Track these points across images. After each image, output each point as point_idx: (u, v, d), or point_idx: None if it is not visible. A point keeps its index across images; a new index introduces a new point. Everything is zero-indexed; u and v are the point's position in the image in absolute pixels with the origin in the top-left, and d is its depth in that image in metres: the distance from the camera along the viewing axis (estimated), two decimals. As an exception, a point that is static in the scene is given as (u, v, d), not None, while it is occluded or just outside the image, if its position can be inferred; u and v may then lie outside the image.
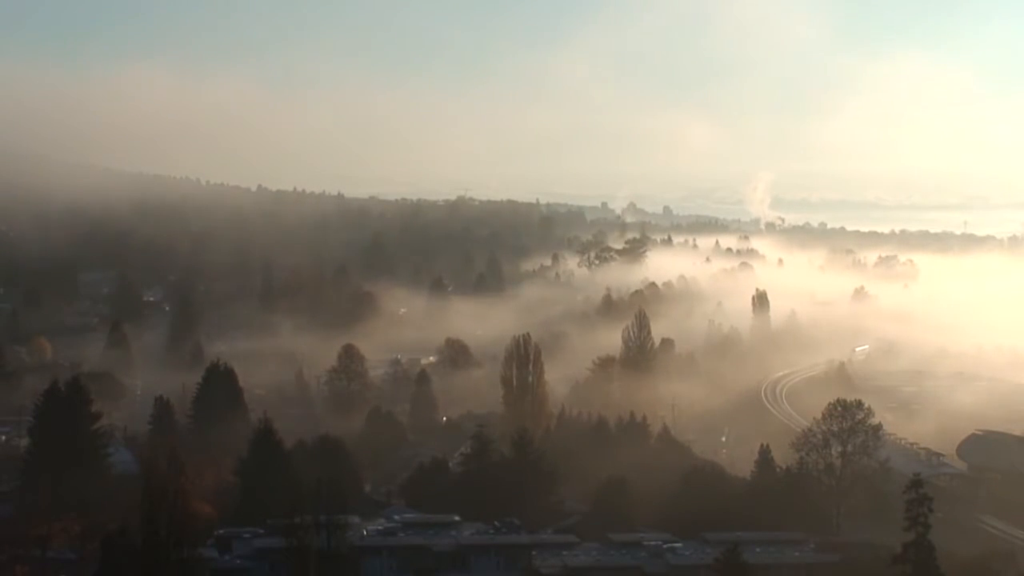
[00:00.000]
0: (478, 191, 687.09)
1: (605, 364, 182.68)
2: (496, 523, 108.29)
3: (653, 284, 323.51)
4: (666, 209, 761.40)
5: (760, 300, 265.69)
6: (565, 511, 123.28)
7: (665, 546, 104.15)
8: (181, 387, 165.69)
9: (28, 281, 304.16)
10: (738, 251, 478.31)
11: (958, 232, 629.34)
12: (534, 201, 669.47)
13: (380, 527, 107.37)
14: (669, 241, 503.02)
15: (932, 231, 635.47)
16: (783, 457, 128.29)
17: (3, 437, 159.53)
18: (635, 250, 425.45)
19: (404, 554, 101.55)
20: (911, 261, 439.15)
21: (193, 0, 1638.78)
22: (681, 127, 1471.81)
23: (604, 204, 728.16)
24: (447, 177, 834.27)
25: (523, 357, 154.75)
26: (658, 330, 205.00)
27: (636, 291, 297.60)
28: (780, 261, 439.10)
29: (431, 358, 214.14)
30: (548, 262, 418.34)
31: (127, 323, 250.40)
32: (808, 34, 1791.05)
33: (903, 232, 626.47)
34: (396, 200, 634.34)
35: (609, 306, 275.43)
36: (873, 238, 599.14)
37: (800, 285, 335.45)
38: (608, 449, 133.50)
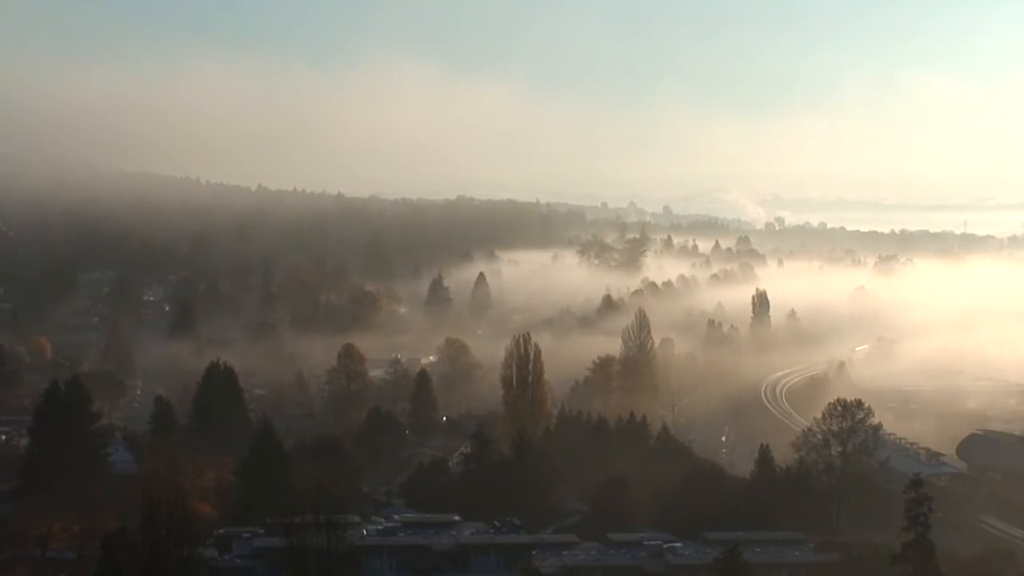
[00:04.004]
0: (478, 191, 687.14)
1: (605, 364, 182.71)
2: (496, 523, 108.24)
3: (653, 284, 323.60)
4: (666, 209, 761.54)
5: (760, 300, 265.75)
6: (565, 511, 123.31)
7: (665, 546, 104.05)
8: (181, 387, 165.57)
9: (28, 281, 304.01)
10: (738, 251, 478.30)
11: (958, 232, 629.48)
12: (534, 201, 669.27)
13: (380, 527, 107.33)
14: (669, 241, 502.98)
15: (932, 231, 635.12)
16: (783, 457, 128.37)
17: (3, 437, 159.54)
18: (635, 250, 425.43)
19: (404, 554, 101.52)
20: (911, 261, 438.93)
21: (195, 2, 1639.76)
22: (682, 127, 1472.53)
23: (604, 204, 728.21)
24: (447, 177, 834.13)
25: (523, 357, 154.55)
26: (658, 330, 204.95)
27: (636, 291, 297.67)
28: (780, 261, 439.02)
29: (431, 358, 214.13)
30: (548, 262, 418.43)
31: (127, 323, 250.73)
32: (809, 35, 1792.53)
33: (903, 232, 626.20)
34: (396, 200, 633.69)
35: (609, 306, 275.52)
36: (873, 238, 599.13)
37: (800, 285, 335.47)
38: (608, 449, 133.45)
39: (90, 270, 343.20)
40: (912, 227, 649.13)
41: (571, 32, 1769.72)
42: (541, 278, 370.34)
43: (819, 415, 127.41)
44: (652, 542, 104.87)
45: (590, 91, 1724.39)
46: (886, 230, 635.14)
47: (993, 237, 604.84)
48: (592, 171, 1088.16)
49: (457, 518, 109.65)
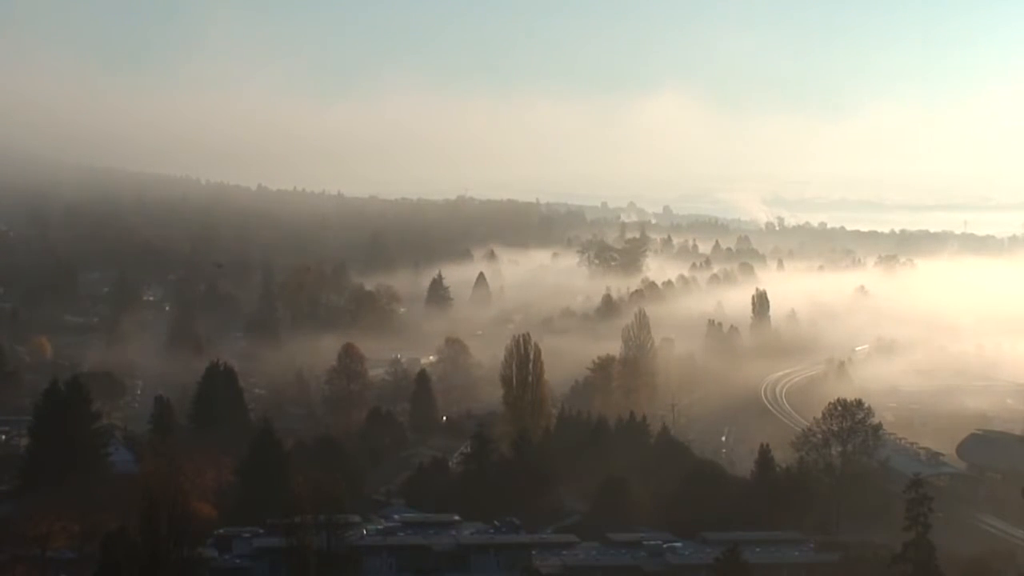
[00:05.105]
0: (478, 191, 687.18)
1: (605, 364, 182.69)
2: (496, 523, 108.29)
3: (653, 284, 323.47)
4: (666, 209, 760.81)
5: (760, 300, 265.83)
6: (565, 511, 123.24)
7: (665, 546, 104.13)
8: (181, 387, 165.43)
9: (28, 281, 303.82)
10: (738, 251, 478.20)
11: (958, 232, 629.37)
12: (534, 201, 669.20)
13: (380, 527, 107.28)
14: (669, 241, 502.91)
15: (932, 231, 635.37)
16: (783, 457, 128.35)
17: (3, 437, 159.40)
18: (635, 250, 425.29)
19: (404, 554, 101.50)
20: (911, 261, 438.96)
21: (196, 3, 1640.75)
22: (682, 127, 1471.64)
23: (604, 204, 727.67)
24: (447, 177, 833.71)
25: (523, 356, 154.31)
26: (658, 330, 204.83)
27: (636, 291, 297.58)
28: (780, 261, 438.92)
29: (431, 358, 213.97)
30: (548, 262, 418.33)
31: (127, 323, 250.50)
32: (809, 34, 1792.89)
33: (903, 232, 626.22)
34: (396, 200, 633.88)
35: (609, 306, 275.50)
36: (873, 238, 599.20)
37: (800, 285, 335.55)
38: (608, 449, 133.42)
39: (90, 270, 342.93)
40: (912, 227, 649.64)
41: (571, 33, 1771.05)
42: (541, 278, 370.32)
43: (819, 415, 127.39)
44: (652, 542, 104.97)
45: (590, 91, 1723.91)
46: (886, 230, 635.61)
47: (993, 237, 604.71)
48: (592, 171, 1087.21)
49: (457, 518, 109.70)
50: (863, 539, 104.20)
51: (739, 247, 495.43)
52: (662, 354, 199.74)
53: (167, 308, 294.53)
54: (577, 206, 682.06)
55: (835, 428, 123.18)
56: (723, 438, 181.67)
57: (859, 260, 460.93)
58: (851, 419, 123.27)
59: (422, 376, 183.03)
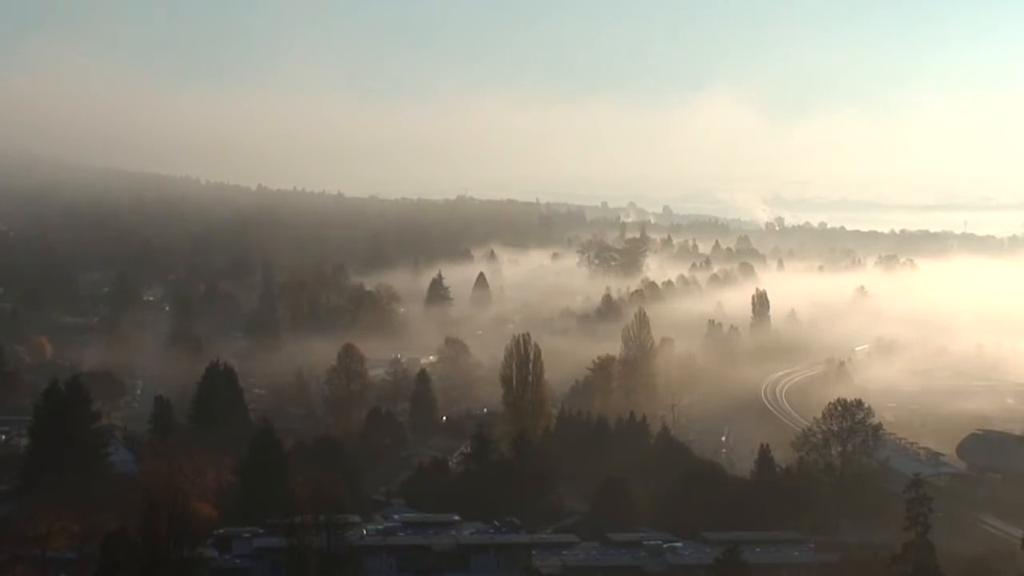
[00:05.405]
0: (478, 191, 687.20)
1: (605, 364, 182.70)
2: (496, 523, 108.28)
3: (653, 284, 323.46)
4: (666, 209, 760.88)
5: (760, 300, 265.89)
6: (565, 511, 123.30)
7: (665, 546, 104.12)
8: (181, 387, 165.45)
9: (28, 281, 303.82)
10: (738, 251, 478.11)
11: (958, 232, 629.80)
12: (534, 201, 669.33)
13: (380, 527, 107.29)
14: (669, 241, 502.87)
15: (932, 231, 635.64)
16: (783, 457, 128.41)
17: (3, 437, 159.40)
18: (635, 250, 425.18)
19: (404, 554, 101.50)
20: (911, 261, 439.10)
21: (197, 3, 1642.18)
22: (682, 127, 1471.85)
23: (604, 204, 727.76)
24: (447, 177, 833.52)
25: (523, 356, 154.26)
26: (658, 330, 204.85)
27: (636, 291, 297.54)
28: (780, 262, 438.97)
29: (431, 358, 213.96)
30: (548, 262, 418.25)
31: (127, 323, 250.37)
32: (809, 33, 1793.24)
33: (903, 232, 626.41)
34: (396, 200, 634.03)
35: (609, 306, 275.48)
36: (873, 238, 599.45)
37: (800, 285, 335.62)
38: (608, 449, 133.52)
39: (90, 270, 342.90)
40: (912, 227, 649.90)
41: (570, 33, 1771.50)
42: (541, 278, 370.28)
43: (819, 415, 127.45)
44: (652, 542, 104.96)
45: (590, 91, 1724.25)
46: (886, 230, 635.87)
47: (993, 237, 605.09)
48: (592, 171, 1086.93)
49: (457, 518, 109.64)
50: (863, 539, 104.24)
51: (739, 247, 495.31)
52: (662, 354, 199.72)
53: (167, 308, 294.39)
54: (577, 206, 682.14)
55: (835, 428, 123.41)
56: (723, 438, 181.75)
57: (859, 260, 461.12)
58: (851, 419, 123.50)
59: (422, 376, 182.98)
